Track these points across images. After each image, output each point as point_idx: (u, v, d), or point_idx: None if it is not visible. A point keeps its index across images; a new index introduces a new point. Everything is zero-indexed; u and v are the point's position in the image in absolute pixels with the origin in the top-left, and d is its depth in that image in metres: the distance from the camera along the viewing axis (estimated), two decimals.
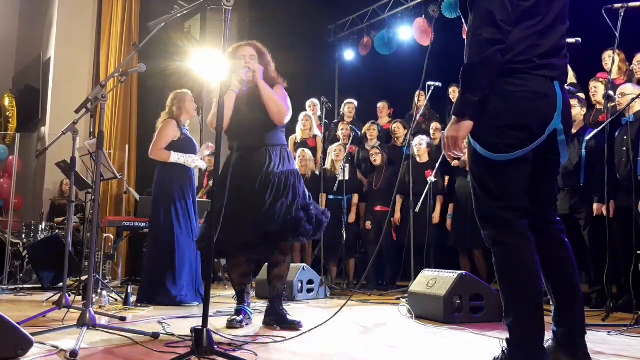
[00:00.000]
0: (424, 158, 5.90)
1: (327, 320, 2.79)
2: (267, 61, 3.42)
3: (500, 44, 1.87)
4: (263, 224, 3.09)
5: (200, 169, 5.31)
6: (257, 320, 3.39)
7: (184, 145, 4.60)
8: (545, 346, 2.03)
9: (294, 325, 3.14)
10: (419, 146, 5.88)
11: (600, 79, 4.72)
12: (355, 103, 7.22)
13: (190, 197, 4.60)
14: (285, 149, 3.36)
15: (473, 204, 2.07)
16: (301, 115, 6.67)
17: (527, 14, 1.94)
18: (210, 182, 6.78)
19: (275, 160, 3.25)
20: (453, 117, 1.96)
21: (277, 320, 3.22)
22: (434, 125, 6.27)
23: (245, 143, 3.31)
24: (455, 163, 5.58)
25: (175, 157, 4.53)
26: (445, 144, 1.99)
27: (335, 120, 7.35)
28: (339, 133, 6.73)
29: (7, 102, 8.76)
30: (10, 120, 8.70)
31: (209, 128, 3.38)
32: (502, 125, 1.93)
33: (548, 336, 2.11)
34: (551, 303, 2.13)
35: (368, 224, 6.30)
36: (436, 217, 5.78)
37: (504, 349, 1.99)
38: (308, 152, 6.29)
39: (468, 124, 1.92)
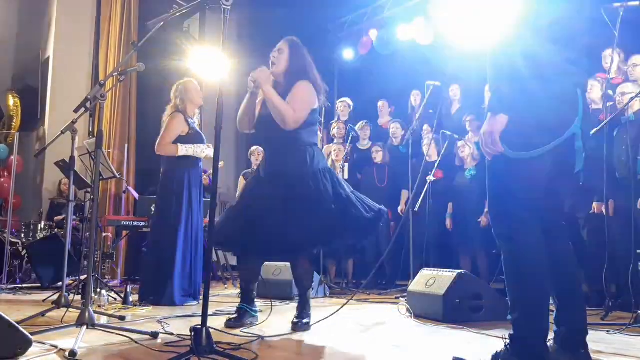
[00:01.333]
0: (434, 157, 5.87)
1: (326, 317, 2.80)
2: (301, 55, 3.31)
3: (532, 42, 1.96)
4: (285, 232, 3.01)
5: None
6: (260, 319, 3.38)
7: (192, 140, 4.48)
8: (548, 346, 2.05)
9: (297, 326, 3.13)
10: (428, 145, 5.81)
11: (598, 78, 4.71)
12: (349, 101, 7.19)
13: (196, 195, 4.52)
14: (312, 147, 3.22)
15: (487, 202, 2.12)
16: None
17: (553, 20, 2.02)
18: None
19: (296, 161, 3.16)
20: (488, 113, 2.03)
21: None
22: (425, 127, 6.22)
23: (268, 142, 3.30)
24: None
25: (184, 150, 4.40)
26: (483, 141, 2.05)
27: (335, 119, 7.32)
28: (334, 132, 6.71)
29: (11, 102, 8.75)
30: (14, 120, 8.69)
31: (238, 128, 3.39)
32: (527, 125, 1.99)
33: (549, 336, 2.12)
34: (552, 302, 2.15)
35: None
36: (448, 223, 5.77)
37: (506, 344, 2.03)
38: None
39: (503, 119, 1.98)
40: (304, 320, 3.18)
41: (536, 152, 1.98)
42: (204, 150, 4.51)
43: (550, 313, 2.16)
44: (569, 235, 2.18)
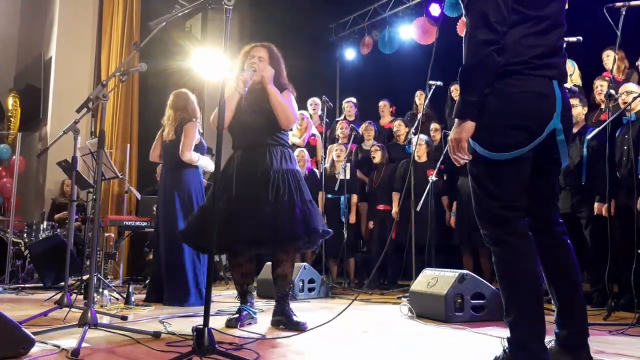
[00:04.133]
0: (423, 157, 5.90)
1: (329, 321, 2.80)
2: (279, 65, 3.44)
3: (495, 44, 1.88)
4: (269, 221, 3.07)
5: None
6: (261, 319, 3.39)
7: (200, 149, 4.60)
8: (548, 347, 2.04)
9: (298, 326, 3.13)
10: (419, 146, 5.87)
11: (606, 78, 4.70)
12: (354, 101, 7.20)
13: (201, 198, 4.55)
14: (286, 149, 3.37)
15: (473, 204, 2.07)
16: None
17: (522, 16, 1.95)
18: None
19: (275, 159, 3.26)
20: (455, 120, 1.97)
21: (282, 320, 3.21)
22: (433, 125, 6.26)
23: (247, 142, 3.33)
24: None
25: (197, 158, 4.50)
26: (450, 147, 2.00)
27: (337, 119, 7.33)
28: (338, 132, 6.72)
29: (10, 102, 8.77)
30: (12, 119, 8.70)
31: (212, 126, 3.39)
32: (502, 125, 1.93)
33: (550, 337, 2.12)
34: (553, 304, 2.13)
35: (371, 224, 6.29)
36: (448, 218, 5.79)
37: (505, 348, 2.00)
38: (306, 152, 6.31)
39: (470, 125, 1.93)
40: (294, 318, 3.19)
41: (517, 152, 1.92)
42: (211, 164, 4.59)
43: (550, 313, 2.16)
44: (567, 233, 2.12)
